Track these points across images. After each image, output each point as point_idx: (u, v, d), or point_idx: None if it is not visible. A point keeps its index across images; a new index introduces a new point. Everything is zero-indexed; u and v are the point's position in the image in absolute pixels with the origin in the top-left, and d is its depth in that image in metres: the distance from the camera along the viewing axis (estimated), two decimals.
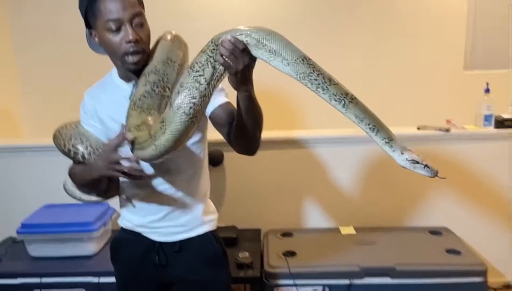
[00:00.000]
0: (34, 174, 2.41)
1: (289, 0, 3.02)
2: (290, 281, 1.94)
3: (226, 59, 1.00)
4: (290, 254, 2.07)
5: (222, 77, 1.07)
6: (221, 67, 1.04)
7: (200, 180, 1.38)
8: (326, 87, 1.01)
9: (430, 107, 2.91)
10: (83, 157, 1.29)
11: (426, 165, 1.03)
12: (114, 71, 1.32)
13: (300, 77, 1.01)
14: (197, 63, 1.04)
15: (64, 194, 1.52)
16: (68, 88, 2.68)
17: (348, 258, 2.02)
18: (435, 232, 2.28)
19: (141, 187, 1.33)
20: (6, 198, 2.44)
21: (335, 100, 1.02)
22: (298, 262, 1.99)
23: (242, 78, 1.03)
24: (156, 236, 1.37)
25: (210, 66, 1.04)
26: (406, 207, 2.44)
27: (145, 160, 1.16)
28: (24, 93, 3.12)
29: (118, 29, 1.15)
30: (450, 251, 2.06)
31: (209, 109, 1.24)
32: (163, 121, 1.07)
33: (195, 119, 1.06)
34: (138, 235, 1.39)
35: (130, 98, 1.21)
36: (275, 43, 1.01)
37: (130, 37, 1.15)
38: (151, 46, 1.25)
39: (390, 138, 1.04)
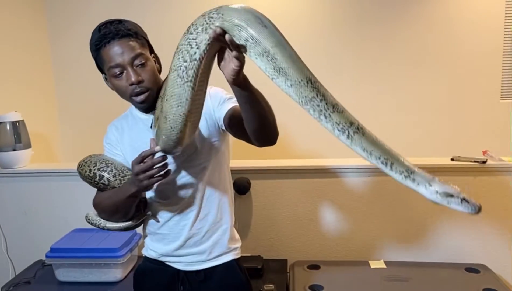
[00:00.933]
0: (66, 198, 2.47)
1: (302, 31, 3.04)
2: None
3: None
4: (317, 287, 2.00)
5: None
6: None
7: (226, 206, 1.38)
8: (329, 115, 0.88)
9: (466, 138, 2.82)
10: (108, 179, 1.31)
11: (463, 198, 0.86)
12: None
13: (302, 102, 0.90)
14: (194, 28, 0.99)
15: None
16: (102, 115, 2.77)
17: None
18: (472, 269, 2.15)
19: (167, 210, 1.34)
20: (38, 222, 2.50)
21: (338, 131, 0.89)
22: None
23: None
24: (181, 266, 1.37)
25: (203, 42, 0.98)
26: (441, 242, 2.32)
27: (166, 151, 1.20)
28: (62, 119, 3.25)
29: (121, 73, 1.22)
30: (487, 290, 1.93)
31: (222, 115, 1.26)
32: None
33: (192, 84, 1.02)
34: (162, 264, 1.39)
35: (151, 127, 1.28)
36: (283, 59, 0.90)
37: (132, 80, 1.20)
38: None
39: (410, 171, 0.88)
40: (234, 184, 2.35)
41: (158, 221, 1.38)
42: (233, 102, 1.25)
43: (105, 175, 1.31)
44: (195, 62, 1.00)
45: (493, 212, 2.27)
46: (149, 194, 1.37)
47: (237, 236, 1.45)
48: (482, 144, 2.43)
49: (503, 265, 2.24)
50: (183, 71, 1.01)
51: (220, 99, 1.29)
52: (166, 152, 1.19)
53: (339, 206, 2.37)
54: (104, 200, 1.34)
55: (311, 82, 0.89)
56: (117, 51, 1.19)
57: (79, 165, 1.38)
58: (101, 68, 1.29)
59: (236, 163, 2.40)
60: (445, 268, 2.17)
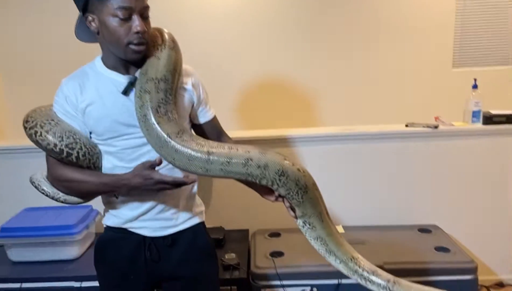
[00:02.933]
0: (15, 176, 2.35)
1: (282, 3, 3.00)
2: (277, 282, 1.90)
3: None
4: (277, 254, 2.03)
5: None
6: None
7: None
8: (370, 279, 1.17)
9: (419, 106, 2.90)
10: (77, 158, 1.23)
11: None
12: (98, 61, 1.27)
13: (351, 274, 1.21)
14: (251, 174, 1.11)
15: (44, 198, 1.39)
16: (51, 88, 2.63)
17: None
18: (424, 229, 2.26)
19: None
20: None
21: (382, 288, 1.15)
22: (286, 263, 1.95)
23: None
24: (147, 231, 1.32)
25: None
26: (395, 206, 2.41)
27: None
28: (7, 93, 3.06)
29: (126, 18, 1.14)
30: (439, 249, 2.03)
31: (202, 118, 1.36)
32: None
33: None
34: (126, 232, 1.33)
35: (122, 93, 1.21)
36: (333, 245, 1.21)
37: (139, 28, 1.15)
38: None
39: None
40: None
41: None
42: (212, 112, 1.39)
43: (74, 153, 1.22)
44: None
45: (444, 174, 2.37)
46: (117, 163, 1.28)
47: (200, 200, 1.46)
48: (436, 111, 2.51)
49: (454, 225, 2.35)
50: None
51: (205, 99, 1.37)
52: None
53: None
54: (81, 183, 1.24)
55: (354, 259, 1.19)
56: None
57: (35, 133, 1.22)
58: (86, 5, 1.17)
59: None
60: (399, 230, 2.26)
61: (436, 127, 2.31)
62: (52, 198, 1.32)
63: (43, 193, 1.33)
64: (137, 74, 1.23)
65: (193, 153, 1.10)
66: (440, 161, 2.36)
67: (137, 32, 1.15)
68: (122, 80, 1.23)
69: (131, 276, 1.34)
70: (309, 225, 1.15)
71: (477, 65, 3.10)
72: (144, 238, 1.32)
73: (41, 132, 1.22)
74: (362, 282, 1.14)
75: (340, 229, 2.27)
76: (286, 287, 1.89)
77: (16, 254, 2.01)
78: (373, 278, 1.13)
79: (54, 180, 1.28)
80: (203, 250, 1.39)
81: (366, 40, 3.03)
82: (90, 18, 1.18)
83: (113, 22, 1.14)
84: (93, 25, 1.18)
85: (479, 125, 2.33)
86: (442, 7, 3.01)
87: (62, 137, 1.21)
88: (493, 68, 3.06)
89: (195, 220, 1.38)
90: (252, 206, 2.41)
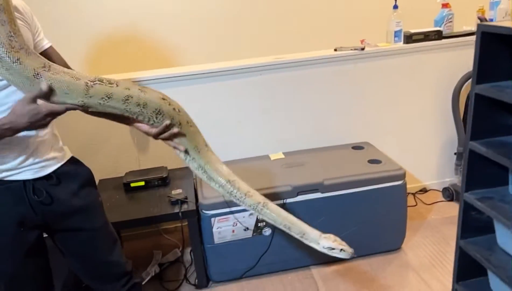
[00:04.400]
0: None
1: None
2: (227, 209, 1.96)
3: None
4: None
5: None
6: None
7: None
8: (243, 200, 1.24)
9: (346, 32, 2.97)
10: None
11: (341, 249, 1.23)
12: None
13: (228, 196, 1.25)
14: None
15: None
16: None
17: (279, 180, 2.08)
18: (357, 147, 2.41)
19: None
20: None
21: (252, 209, 1.25)
22: None
23: None
24: (28, 175, 1.21)
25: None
26: (329, 128, 2.53)
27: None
28: None
29: None
30: (372, 161, 2.19)
31: (45, 48, 1.26)
32: None
33: None
34: (2, 182, 1.20)
35: None
36: (211, 170, 1.24)
37: None
38: None
39: (302, 233, 1.26)
40: None
41: None
42: (47, 42, 1.28)
43: None
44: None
45: (373, 94, 2.51)
46: None
47: None
48: (361, 36, 2.60)
49: (384, 140, 2.54)
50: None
51: (37, 25, 1.25)
52: None
53: (235, 107, 2.41)
54: None
55: (230, 182, 1.23)
56: None
57: None
58: None
59: (126, 75, 2.27)
60: (335, 149, 2.40)
61: (362, 49, 2.41)
62: None
63: None
64: None
65: (70, 86, 1.01)
66: (368, 81, 2.49)
67: None
68: None
69: (20, 229, 1.22)
70: (190, 157, 1.23)
71: None
72: (25, 182, 1.21)
73: None
74: (237, 202, 1.25)
75: (280, 156, 2.36)
76: (235, 213, 1.97)
77: None
78: (247, 199, 1.24)
79: None
80: (87, 179, 1.35)
81: None
82: None
83: None
84: None
85: (400, 44, 2.46)
86: None
87: None
88: None
89: (69, 154, 1.34)
90: None
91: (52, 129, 1.30)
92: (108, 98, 1.04)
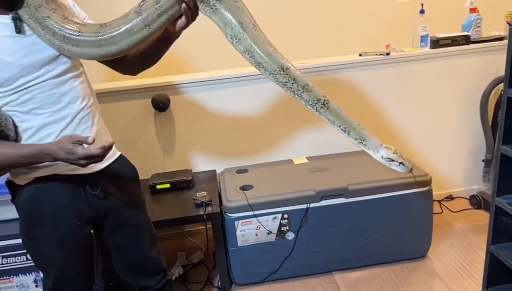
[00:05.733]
0: None
1: None
2: (250, 213, 1.97)
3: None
4: (247, 187, 2.09)
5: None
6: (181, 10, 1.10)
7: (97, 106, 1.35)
8: (300, 94, 1.15)
9: (371, 38, 2.96)
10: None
11: (401, 163, 1.15)
12: None
13: (280, 86, 1.15)
14: None
15: None
16: None
17: (303, 184, 2.07)
18: None
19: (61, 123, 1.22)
20: None
21: (309, 106, 1.17)
22: (256, 194, 2.02)
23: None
24: (86, 169, 1.22)
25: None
26: None
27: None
28: None
29: None
30: None
31: None
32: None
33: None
34: (61, 177, 1.24)
35: (18, 32, 1.11)
36: (259, 55, 1.12)
37: None
38: None
39: (362, 138, 1.18)
40: (152, 101, 2.28)
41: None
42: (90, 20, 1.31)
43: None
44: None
45: (399, 99, 2.49)
46: (41, 116, 1.19)
47: None
48: (386, 41, 2.59)
49: (409, 146, 2.50)
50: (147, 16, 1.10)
51: (85, 16, 1.30)
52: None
53: (259, 112, 2.43)
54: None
55: (283, 69, 1.13)
56: None
57: None
58: None
59: (154, 80, 2.32)
60: (359, 155, 2.35)
61: (388, 54, 2.40)
62: None
63: None
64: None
65: (129, 25, 1.11)
66: (393, 86, 2.47)
67: None
68: (6, 21, 1.11)
69: (77, 222, 1.27)
70: (235, 38, 1.12)
71: None
72: (82, 177, 1.25)
73: None
74: (292, 95, 1.16)
75: (303, 160, 2.36)
76: (259, 216, 1.97)
77: None
78: (304, 94, 1.15)
79: None
80: (134, 177, 1.43)
81: None
82: None
83: None
84: None
85: (427, 49, 2.44)
86: None
87: None
88: None
89: (118, 152, 1.40)
90: (217, 149, 2.45)
91: (103, 125, 1.35)
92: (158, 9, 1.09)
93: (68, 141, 1.09)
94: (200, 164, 2.44)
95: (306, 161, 2.35)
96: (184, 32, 1.19)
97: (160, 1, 1.09)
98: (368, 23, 3.06)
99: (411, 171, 1.17)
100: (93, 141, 1.08)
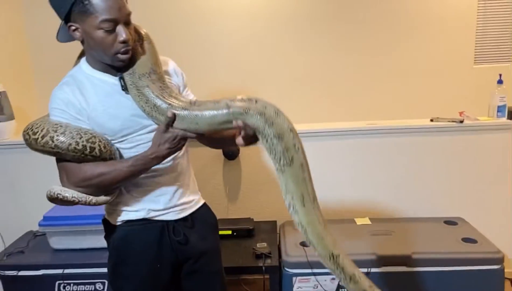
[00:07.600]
0: (50, 168, 2.44)
1: (295, 4, 3.05)
2: (309, 270, 1.96)
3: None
4: (306, 244, 2.08)
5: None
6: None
7: (188, 157, 1.45)
8: (345, 283, 1.12)
9: (444, 102, 2.94)
10: (100, 151, 1.23)
11: None
12: (85, 65, 1.27)
13: (329, 269, 1.14)
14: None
15: None
16: None
17: (364, 247, 2.04)
18: (450, 222, 2.30)
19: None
20: (25, 193, 2.48)
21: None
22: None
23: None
24: (171, 216, 1.36)
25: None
26: (421, 199, 2.45)
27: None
28: (40, 92, 3.18)
29: (112, 29, 1.14)
30: (466, 240, 2.07)
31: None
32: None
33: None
34: (149, 221, 1.34)
35: (124, 90, 1.24)
36: (311, 235, 1.11)
37: (125, 37, 1.15)
38: None
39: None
40: (223, 149, 2.39)
41: (140, 185, 1.33)
42: (193, 95, 1.42)
43: (96, 146, 1.21)
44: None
45: (469, 168, 2.41)
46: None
47: None
48: (458, 107, 2.54)
49: (479, 218, 2.38)
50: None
51: (185, 83, 1.40)
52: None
53: (324, 168, 2.45)
54: (110, 174, 1.22)
55: (333, 257, 1.10)
56: (114, 5, 1.13)
57: (52, 138, 1.20)
58: (69, 15, 1.16)
59: None
60: (425, 222, 2.31)
61: (461, 121, 2.35)
62: (84, 203, 1.26)
63: (73, 201, 1.25)
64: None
65: (213, 112, 1.14)
66: (465, 155, 2.40)
67: (124, 42, 1.16)
68: (114, 81, 1.24)
69: (157, 265, 1.35)
70: (293, 208, 1.10)
71: (497, 62, 3.13)
72: (167, 223, 1.35)
73: (57, 136, 1.20)
74: (337, 279, 1.15)
75: (366, 221, 2.33)
76: (317, 275, 1.96)
77: (57, 242, 2.11)
78: (350, 285, 1.11)
79: (80, 181, 1.24)
80: (214, 225, 1.49)
81: (390, 37, 3.08)
82: (73, 27, 1.17)
83: (99, 33, 1.14)
84: (77, 34, 1.18)
85: (504, 119, 2.36)
86: (464, 5, 3.05)
87: (81, 135, 1.20)
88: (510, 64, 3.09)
89: (202, 200, 1.47)
90: (280, 200, 2.47)
91: (191, 172, 1.45)
92: (246, 113, 1.11)
93: (162, 133, 1.18)
94: (262, 213, 2.48)
95: (369, 222, 2.32)
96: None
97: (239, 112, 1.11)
98: (441, 87, 3.04)
99: None
100: (172, 115, 1.16)
